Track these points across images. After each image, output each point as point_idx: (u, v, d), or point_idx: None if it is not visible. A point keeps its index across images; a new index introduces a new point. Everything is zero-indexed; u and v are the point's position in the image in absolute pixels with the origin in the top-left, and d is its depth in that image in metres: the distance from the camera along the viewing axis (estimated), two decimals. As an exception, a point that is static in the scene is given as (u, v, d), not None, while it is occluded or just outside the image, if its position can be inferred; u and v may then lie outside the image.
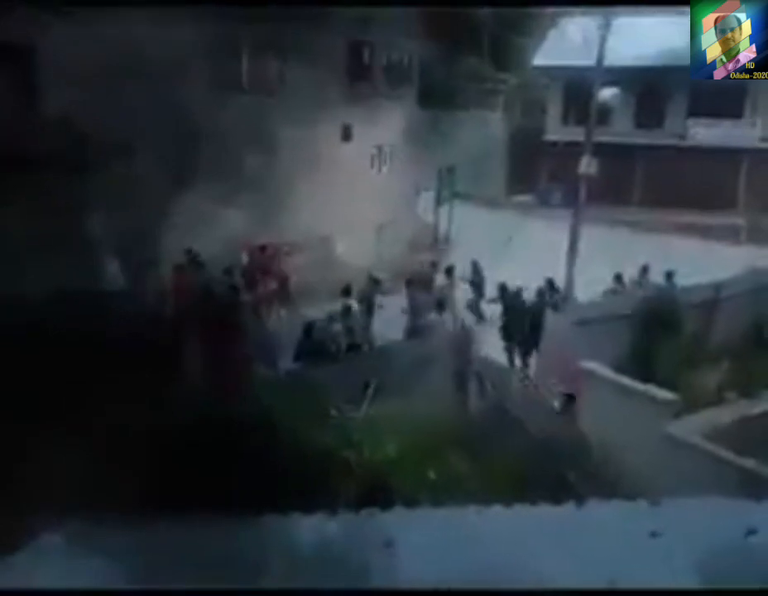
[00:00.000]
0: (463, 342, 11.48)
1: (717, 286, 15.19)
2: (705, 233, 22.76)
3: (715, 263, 19.03)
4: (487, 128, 27.62)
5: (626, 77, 25.28)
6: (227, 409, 7.17)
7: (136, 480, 6.12)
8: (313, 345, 11.13)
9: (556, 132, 28.35)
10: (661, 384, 11.98)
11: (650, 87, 28.75)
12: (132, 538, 4.39)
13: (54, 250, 9.89)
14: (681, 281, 14.83)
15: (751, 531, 5.36)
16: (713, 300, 15.00)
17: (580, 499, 6.71)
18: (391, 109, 18.51)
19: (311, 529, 4.96)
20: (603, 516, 6.14)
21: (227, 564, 4.39)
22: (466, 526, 5.46)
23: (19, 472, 6.48)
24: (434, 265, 16.17)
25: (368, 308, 13.42)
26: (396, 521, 5.26)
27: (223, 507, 4.65)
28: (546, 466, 8.90)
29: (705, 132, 28.91)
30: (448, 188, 22.15)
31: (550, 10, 28.89)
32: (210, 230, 12.26)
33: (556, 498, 6.27)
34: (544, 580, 4.55)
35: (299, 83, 15.78)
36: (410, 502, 5.36)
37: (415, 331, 12.55)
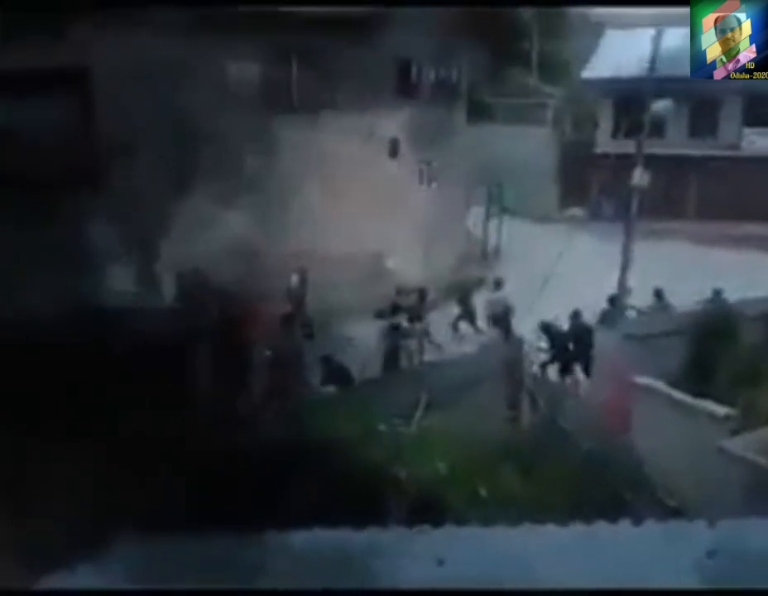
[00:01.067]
0: (515, 358, 11.39)
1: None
2: (762, 244, 22.22)
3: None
4: (536, 142, 27.49)
5: (678, 87, 24.92)
6: (280, 429, 7.23)
7: (196, 497, 6.20)
8: (332, 372, 11.20)
9: (607, 144, 28.05)
10: (718, 400, 11.72)
11: (703, 96, 28.29)
12: (184, 551, 4.44)
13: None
14: (738, 294, 14.49)
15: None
16: (773, 312, 14.62)
17: (638, 518, 6.58)
18: (440, 125, 18.54)
19: (361, 544, 4.95)
20: (659, 535, 6.02)
21: (277, 578, 4.40)
22: (518, 544, 5.39)
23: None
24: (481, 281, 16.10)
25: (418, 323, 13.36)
26: (447, 538, 5.22)
27: (275, 523, 4.68)
28: (601, 484, 8.75)
29: (761, 142, 28.33)
30: (497, 203, 22.07)
31: (598, 20, 28.75)
32: (270, 243, 12.40)
33: (612, 517, 6.15)
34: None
35: (348, 101, 15.93)
36: (461, 520, 5.30)
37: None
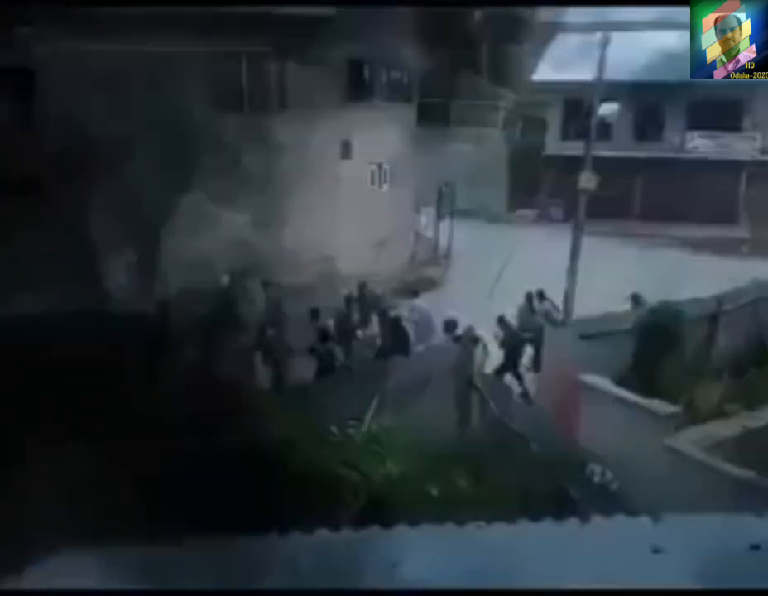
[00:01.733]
0: (464, 359, 11.48)
1: (719, 299, 15.18)
2: (705, 245, 22.78)
3: (717, 276, 19.05)
4: (487, 144, 27.72)
5: (625, 91, 25.40)
6: (227, 431, 7.19)
7: (142, 502, 6.14)
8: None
9: (556, 147, 28.46)
10: (663, 397, 11.98)
11: (648, 101, 28.90)
12: (135, 557, 4.41)
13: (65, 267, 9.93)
14: (682, 294, 14.82)
15: (755, 546, 5.35)
16: (715, 313, 14.99)
17: (584, 515, 6.70)
18: (391, 126, 18.59)
19: (313, 548, 4.96)
20: (606, 532, 6.15)
21: (227, 582, 4.40)
22: (468, 542, 5.46)
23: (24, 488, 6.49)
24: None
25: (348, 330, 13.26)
26: (399, 539, 5.26)
27: (224, 528, 4.66)
28: (549, 482, 8.89)
29: (704, 145, 29.03)
30: (448, 204, 22.20)
31: (548, 22, 29.10)
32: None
33: (559, 514, 6.26)
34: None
35: (299, 101, 15.88)
36: (413, 521, 5.35)
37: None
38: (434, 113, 22.95)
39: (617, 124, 27.33)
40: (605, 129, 24.61)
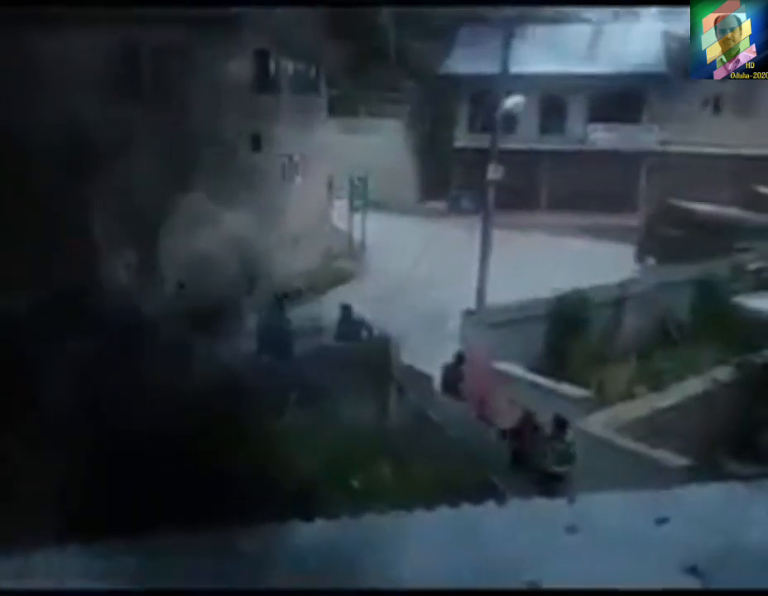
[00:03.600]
0: (382, 351, 11.50)
1: (624, 285, 15.71)
2: (609, 234, 23.47)
3: (621, 263, 19.72)
4: (396, 136, 27.86)
5: (530, 84, 25.93)
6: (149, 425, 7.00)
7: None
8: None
9: (464, 139, 28.81)
10: (573, 382, 12.32)
11: (551, 94, 29.61)
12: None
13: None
14: (588, 282, 15.24)
15: (662, 520, 5.57)
16: (620, 298, 15.52)
17: (501, 498, 6.83)
18: (300, 119, 18.44)
19: (228, 544, 4.86)
20: (523, 513, 6.28)
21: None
22: (387, 532, 5.47)
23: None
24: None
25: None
26: (318, 532, 5.22)
27: (139, 525, 4.53)
28: (467, 469, 9.01)
29: (604, 137, 29.94)
30: (360, 196, 22.20)
31: (455, 17, 29.41)
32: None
33: (477, 499, 6.35)
34: (463, 580, 4.60)
35: (204, 92, 15.54)
36: (331, 514, 5.32)
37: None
38: (343, 106, 22.92)
39: (523, 117, 27.90)
40: (511, 122, 25.08)
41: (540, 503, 6.67)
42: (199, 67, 15.48)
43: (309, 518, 5.32)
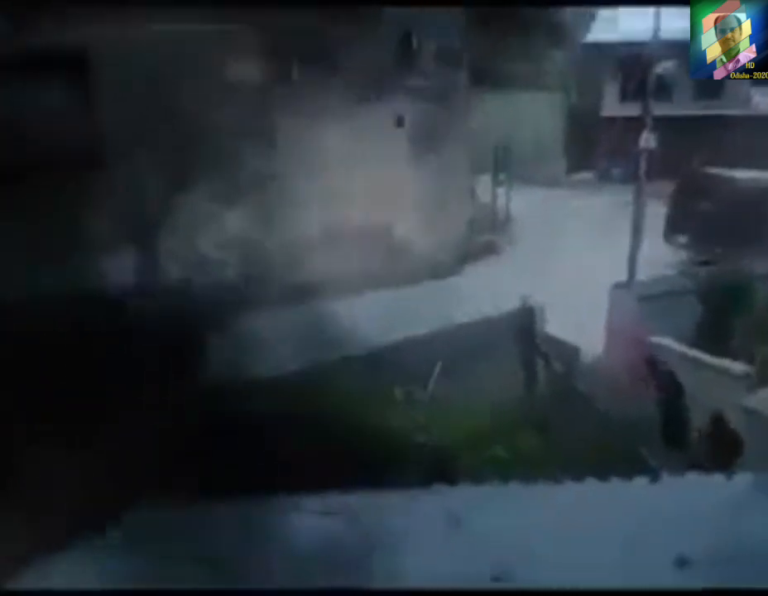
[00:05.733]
0: (528, 322, 11.36)
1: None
2: None
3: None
4: (543, 107, 27.25)
5: (683, 49, 24.58)
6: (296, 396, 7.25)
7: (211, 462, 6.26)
8: None
9: (614, 108, 27.80)
10: (735, 357, 11.68)
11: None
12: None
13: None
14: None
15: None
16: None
17: (654, 474, 6.58)
18: (443, 94, 18.37)
19: (381, 507, 4.96)
20: (677, 489, 6.03)
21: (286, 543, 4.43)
22: (536, 501, 5.41)
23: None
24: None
25: None
26: (464, 498, 5.23)
27: (294, 487, 4.69)
28: (617, 442, 8.75)
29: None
30: (505, 168, 21.90)
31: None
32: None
33: (628, 474, 6.16)
34: (608, 552, 4.47)
35: (350, 74, 15.80)
36: (478, 481, 5.32)
37: None
38: (486, 78, 22.62)
39: (677, 82, 26.55)
40: (664, 88, 23.92)
41: (695, 478, 6.39)
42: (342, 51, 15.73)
43: (452, 483, 5.35)
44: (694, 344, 12.37)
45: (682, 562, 4.51)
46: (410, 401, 8.23)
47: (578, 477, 5.86)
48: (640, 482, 6.07)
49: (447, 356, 9.76)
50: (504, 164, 21.79)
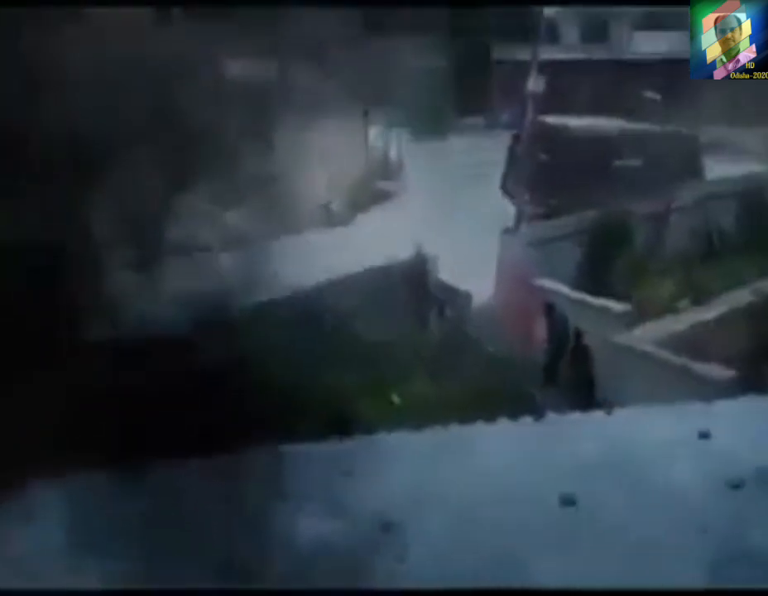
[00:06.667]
0: (420, 268, 11.51)
1: (668, 198, 15.33)
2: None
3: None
4: (431, 51, 27.13)
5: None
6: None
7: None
8: None
9: (503, 51, 27.96)
10: (615, 297, 12.20)
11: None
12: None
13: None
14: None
15: (704, 435, 5.57)
16: (664, 211, 15.14)
17: (539, 413, 6.88)
18: (334, 40, 18.05)
19: (278, 460, 5.00)
20: (559, 426, 6.33)
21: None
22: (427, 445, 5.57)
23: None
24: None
25: None
26: (356, 448, 5.34)
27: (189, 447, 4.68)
28: (506, 383, 9.07)
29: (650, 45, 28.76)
30: (395, 115, 21.79)
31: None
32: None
33: (515, 414, 6.42)
34: (497, 492, 4.67)
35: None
36: (371, 429, 5.43)
37: None
38: (373, 23, 22.31)
39: (564, 26, 26.97)
40: (552, 32, 24.20)
41: (577, 416, 6.72)
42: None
43: (347, 434, 5.45)
44: (579, 287, 12.86)
45: (567, 501, 4.73)
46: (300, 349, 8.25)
47: (467, 420, 6.06)
48: (526, 421, 6.34)
49: (339, 306, 9.81)
50: (395, 112, 21.69)
